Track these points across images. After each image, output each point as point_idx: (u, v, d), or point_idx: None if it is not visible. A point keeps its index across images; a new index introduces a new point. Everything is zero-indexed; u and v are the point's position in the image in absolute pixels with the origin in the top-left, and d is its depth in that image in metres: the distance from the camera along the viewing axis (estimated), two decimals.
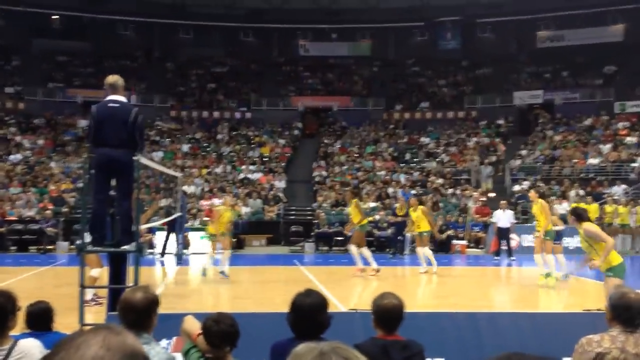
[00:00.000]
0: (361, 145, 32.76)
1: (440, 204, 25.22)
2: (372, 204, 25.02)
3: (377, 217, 23.48)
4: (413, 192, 26.48)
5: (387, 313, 3.66)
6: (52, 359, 1.22)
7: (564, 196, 24.88)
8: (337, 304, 9.92)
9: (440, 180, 28.17)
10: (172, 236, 18.69)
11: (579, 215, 8.33)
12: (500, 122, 34.33)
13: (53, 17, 38.00)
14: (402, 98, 37.56)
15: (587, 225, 8.22)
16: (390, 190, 26.57)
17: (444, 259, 21.09)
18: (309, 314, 3.48)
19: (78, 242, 7.52)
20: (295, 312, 3.52)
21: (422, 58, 39.47)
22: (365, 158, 31.07)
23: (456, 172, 29.55)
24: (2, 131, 31.23)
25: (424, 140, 33.24)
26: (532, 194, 14.27)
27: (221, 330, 3.52)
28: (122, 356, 1.22)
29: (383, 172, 29.11)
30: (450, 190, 27.20)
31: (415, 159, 31.32)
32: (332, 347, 1.34)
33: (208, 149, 32.24)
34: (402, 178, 28.43)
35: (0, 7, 35.91)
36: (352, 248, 15.08)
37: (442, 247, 22.70)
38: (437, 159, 30.93)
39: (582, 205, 23.36)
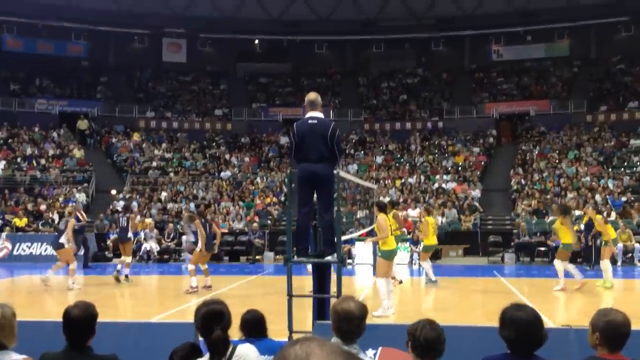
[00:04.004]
0: (562, 151, 30.97)
1: None
2: (577, 212, 23.49)
3: (581, 226, 21.99)
4: (624, 199, 24.48)
5: (614, 330, 3.34)
6: None
7: None
8: (544, 319, 9.41)
9: None
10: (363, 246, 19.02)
11: None
12: None
13: (255, 42, 40.70)
14: (606, 98, 34.96)
15: None
16: (597, 197, 24.78)
17: None
18: (528, 329, 3.32)
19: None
20: (512, 327, 3.38)
21: (629, 54, 36.43)
22: (566, 164, 29.31)
23: None
24: (213, 150, 33.99)
25: (635, 142, 30.59)
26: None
27: (425, 336, 3.57)
28: None
29: (587, 178, 27.24)
30: None
31: (624, 164, 28.94)
32: None
33: (401, 160, 32.43)
34: (611, 184, 26.40)
35: (211, 35, 39.24)
36: (556, 263, 14.35)
37: None
38: None
39: None
